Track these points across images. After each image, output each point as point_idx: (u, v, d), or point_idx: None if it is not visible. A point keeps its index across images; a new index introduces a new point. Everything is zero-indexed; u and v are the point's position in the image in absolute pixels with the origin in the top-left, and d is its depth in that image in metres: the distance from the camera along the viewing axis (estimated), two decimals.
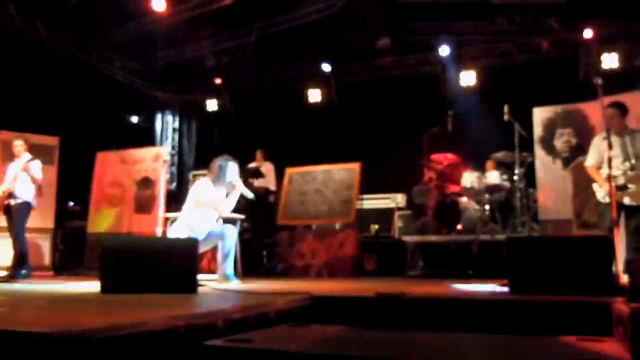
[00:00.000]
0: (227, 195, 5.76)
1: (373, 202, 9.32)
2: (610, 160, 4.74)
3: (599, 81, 5.20)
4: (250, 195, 6.07)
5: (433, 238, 7.65)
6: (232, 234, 5.74)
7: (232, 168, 5.76)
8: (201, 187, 5.70)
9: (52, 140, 8.73)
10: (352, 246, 7.36)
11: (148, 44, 10.26)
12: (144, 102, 12.29)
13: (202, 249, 5.42)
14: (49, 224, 8.66)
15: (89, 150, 9.48)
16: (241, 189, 5.83)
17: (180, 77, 11.88)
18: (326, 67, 10.79)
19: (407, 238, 7.80)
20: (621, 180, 5.14)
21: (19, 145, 6.84)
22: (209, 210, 5.67)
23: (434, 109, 9.42)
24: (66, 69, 9.95)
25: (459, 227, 7.73)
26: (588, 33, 8.49)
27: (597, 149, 5.46)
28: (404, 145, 9.30)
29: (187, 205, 5.73)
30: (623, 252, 5.08)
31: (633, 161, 5.21)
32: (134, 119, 12.21)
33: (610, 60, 8.57)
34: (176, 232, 5.57)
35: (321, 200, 8.01)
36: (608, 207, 5.03)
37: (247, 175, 8.15)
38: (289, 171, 8.57)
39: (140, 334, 2.20)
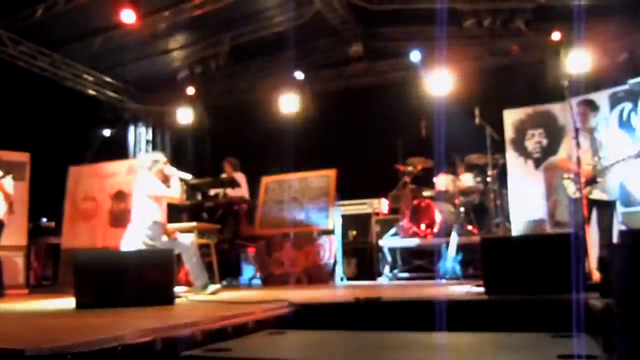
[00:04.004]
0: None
1: (350, 208, 9.33)
2: (579, 159, 4.85)
3: (565, 83, 5.36)
4: (188, 177, 6.04)
5: (409, 242, 7.70)
6: (187, 243, 5.63)
7: (163, 158, 5.80)
8: (150, 183, 5.61)
9: (23, 157, 8.59)
10: (330, 253, 7.38)
11: (118, 57, 10.15)
12: (116, 114, 12.14)
13: None
14: (22, 241, 8.49)
15: (60, 165, 9.34)
16: (178, 173, 5.80)
17: (152, 89, 11.78)
18: (299, 75, 10.80)
19: (384, 242, 7.85)
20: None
21: None
22: (162, 203, 5.62)
23: (407, 114, 9.49)
24: (35, 83, 9.78)
25: (434, 229, 7.79)
26: (556, 36, 8.64)
27: (568, 145, 5.58)
28: (379, 151, 9.35)
29: (140, 204, 5.59)
30: (596, 249, 5.19)
31: (601, 154, 5.34)
32: (106, 132, 12.05)
33: (577, 63, 8.70)
34: (131, 244, 5.47)
35: (298, 208, 8.02)
36: (579, 203, 5.14)
37: (223, 185, 8.09)
38: (265, 180, 8.55)
39: (116, 348, 2.18)
